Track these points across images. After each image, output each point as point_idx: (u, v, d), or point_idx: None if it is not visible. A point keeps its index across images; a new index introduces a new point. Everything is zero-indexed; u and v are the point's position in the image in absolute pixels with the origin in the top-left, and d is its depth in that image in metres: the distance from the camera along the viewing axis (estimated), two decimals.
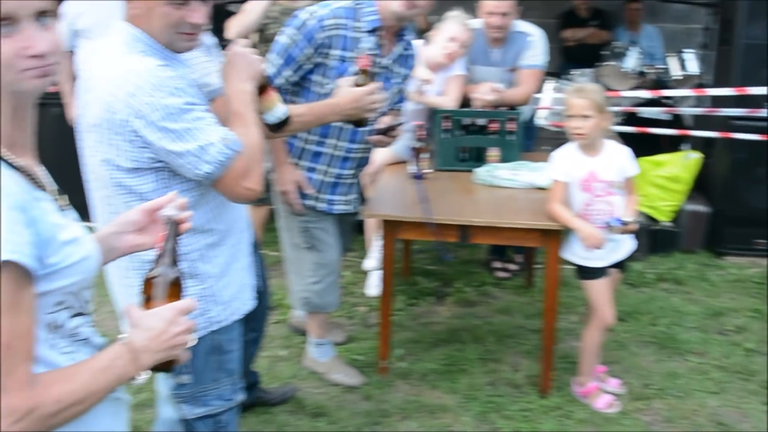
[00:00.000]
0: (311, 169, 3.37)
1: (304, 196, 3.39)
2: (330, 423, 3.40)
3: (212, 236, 2.14)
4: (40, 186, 1.34)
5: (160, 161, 1.97)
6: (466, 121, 4.25)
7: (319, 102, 3.00)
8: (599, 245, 3.27)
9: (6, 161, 1.27)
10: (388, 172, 4.27)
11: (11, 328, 1.19)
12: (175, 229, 1.50)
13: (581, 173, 3.33)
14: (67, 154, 3.19)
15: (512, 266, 5.12)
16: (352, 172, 3.43)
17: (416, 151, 3.86)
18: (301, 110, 2.85)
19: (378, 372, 3.76)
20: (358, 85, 2.85)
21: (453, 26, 4.30)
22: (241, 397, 2.35)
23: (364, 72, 2.86)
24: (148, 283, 1.44)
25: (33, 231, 1.23)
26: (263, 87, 2.19)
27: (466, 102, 4.45)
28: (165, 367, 1.43)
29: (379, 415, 3.46)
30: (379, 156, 4.33)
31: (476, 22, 4.51)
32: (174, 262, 1.46)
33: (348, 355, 3.95)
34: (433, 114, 4.33)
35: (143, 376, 1.40)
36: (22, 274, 1.20)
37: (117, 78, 1.91)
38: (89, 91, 2.00)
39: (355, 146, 3.33)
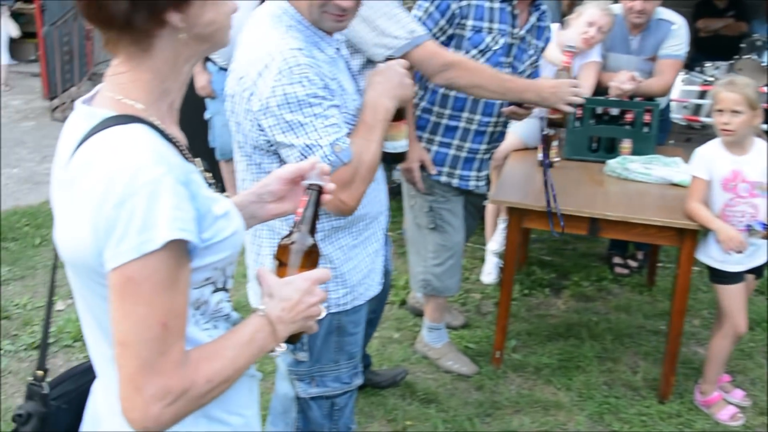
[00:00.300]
0: (445, 144, 3.30)
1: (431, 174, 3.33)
2: (440, 410, 3.34)
3: (339, 219, 2.08)
4: (188, 158, 1.31)
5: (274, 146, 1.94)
6: (599, 110, 4.08)
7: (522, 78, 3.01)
8: (740, 249, 3.08)
9: (163, 133, 1.24)
10: (514, 158, 4.15)
11: (170, 307, 1.16)
12: (316, 197, 1.44)
13: (725, 172, 3.14)
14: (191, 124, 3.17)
15: (633, 263, 4.91)
16: (485, 147, 3.34)
17: (546, 139, 3.73)
18: (505, 76, 2.85)
19: (491, 362, 3.68)
20: None
21: (593, 10, 4.13)
22: (359, 381, 2.30)
23: (566, 69, 2.97)
24: (283, 249, 1.39)
25: (195, 205, 1.19)
26: (399, 114, 2.08)
27: (599, 90, 4.28)
28: (293, 339, 1.39)
29: (491, 407, 3.38)
30: (506, 141, 4.22)
31: (617, 8, 4.32)
32: (312, 231, 1.41)
33: (460, 343, 3.89)
34: None
35: (280, 349, 1.36)
36: (184, 251, 1.17)
37: (253, 54, 1.89)
38: (234, 60, 1.98)
39: (489, 119, 3.24)
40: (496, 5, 3.04)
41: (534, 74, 3.37)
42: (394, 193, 3.84)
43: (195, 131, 3.51)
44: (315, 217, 1.43)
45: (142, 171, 1.13)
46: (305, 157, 1.82)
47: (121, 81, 1.26)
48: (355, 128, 1.97)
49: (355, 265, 2.14)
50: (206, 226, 1.22)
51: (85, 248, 1.18)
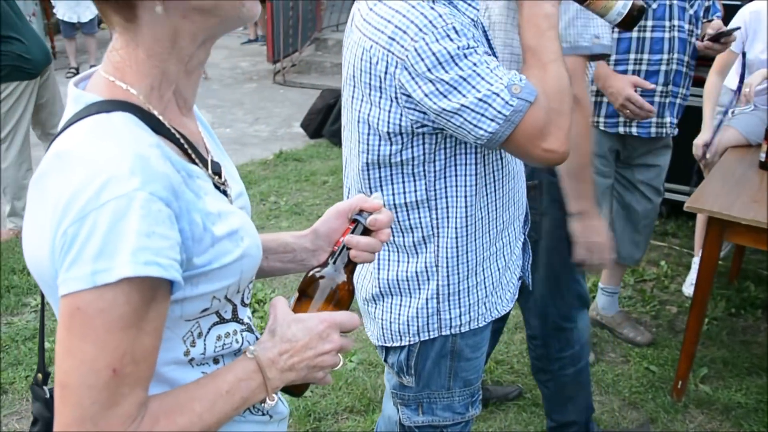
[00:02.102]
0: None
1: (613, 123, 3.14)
2: None
3: (463, 228, 1.71)
4: (198, 156, 1.05)
5: (427, 124, 1.57)
6: None
7: None
8: None
9: (160, 125, 1.01)
10: (730, 155, 3.55)
11: (127, 350, 0.90)
12: (362, 230, 1.19)
13: None
14: None
15: None
16: (662, 88, 3.07)
17: None
18: None
19: (672, 392, 3.17)
20: None
21: None
22: (476, 411, 1.94)
23: None
24: (309, 281, 1.15)
25: (183, 225, 0.93)
26: None
27: None
28: (297, 389, 1.13)
29: None
30: (724, 135, 3.65)
31: None
32: (348, 267, 1.17)
33: (642, 363, 3.40)
34: None
35: (272, 402, 1.06)
36: (155, 286, 0.91)
37: (377, 17, 1.55)
38: (349, 34, 1.67)
39: (660, 57, 3.03)
40: None
41: (713, 10, 3.21)
42: None
43: None
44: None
45: (112, 182, 0.88)
46: (482, 116, 1.48)
47: (115, 60, 1.03)
48: (524, 61, 1.60)
49: (478, 281, 1.77)
50: (201, 250, 0.97)
51: (43, 261, 0.96)
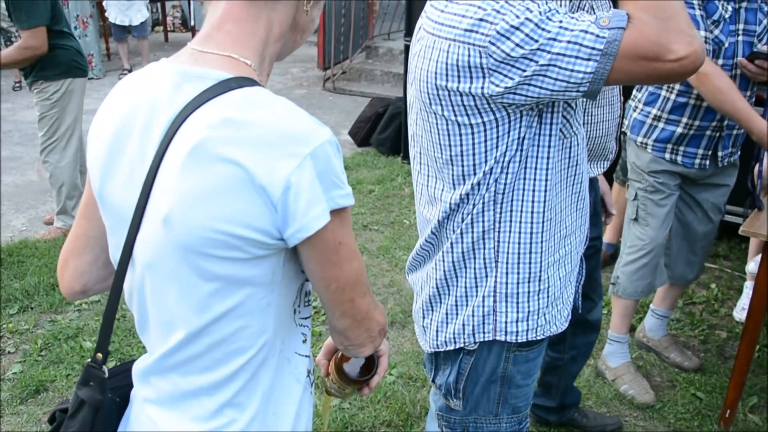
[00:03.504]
0: (672, 122, 3.01)
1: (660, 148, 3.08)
2: None
3: (536, 224, 1.64)
4: None
5: (516, 103, 1.49)
6: None
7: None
8: None
9: None
10: None
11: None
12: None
13: None
14: None
15: None
16: (716, 123, 2.99)
17: None
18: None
19: (719, 421, 3.07)
20: None
21: None
22: None
23: None
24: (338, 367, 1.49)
25: None
26: None
27: None
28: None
29: None
30: None
31: None
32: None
33: (688, 389, 3.31)
34: None
35: None
36: None
37: (451, 15, 1.50)
38: (418, 42, 1.61)
39: None
40: None
41: None
42: None
43: None
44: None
45: (312, 133, 1.07)
46: (574, 59, 1.39)
47: (233, 32, 1.15)
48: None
49: (541, 288, 1.70)
50: None
51: (233, 218, 1.05)
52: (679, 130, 3.01)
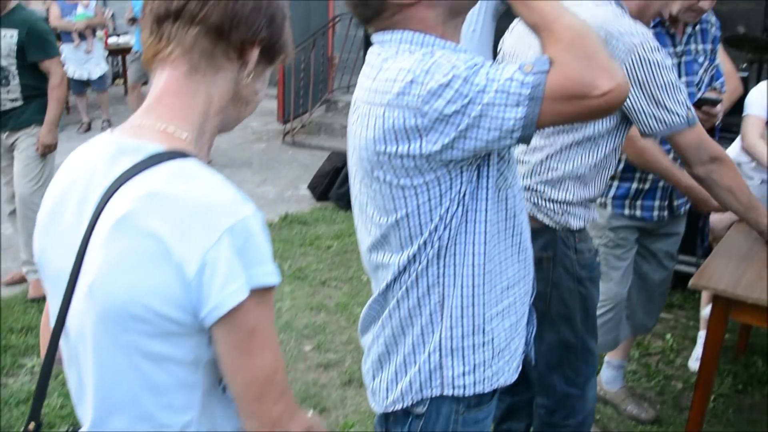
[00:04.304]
0: (627, 178, 3.11)
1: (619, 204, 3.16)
2: None
3: (478, 277, 1.66)
4: None
5: (455, 159, 1.51)
6: None
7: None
8: None
9: None
10: (737, 229, 3.50)
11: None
12: None
13: None
14: None
15: None
16: None
17: None
18: (751, 192, 2.61)
19: None
20: None
21: None
22: None
23: None
24: None
25: None
26: None
27: None
28: None
29: None
30: None
31: None
32: None
33: None
34: None
35: None
36: None
37: (383, 83, 1.54)
38: (354, 112, 1.64)
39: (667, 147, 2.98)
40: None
41: (716, 76, 3.22)
42: None
43: None
44: None
45: (234, 208, 1.07)
46: (503, 107, 1.42)
47: (171, 106, 1.16)
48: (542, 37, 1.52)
49: (486, 341, 1.70)
50: None
51: (156, 292, 1.05)
52: (634, 185, 3.09)
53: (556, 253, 2.38)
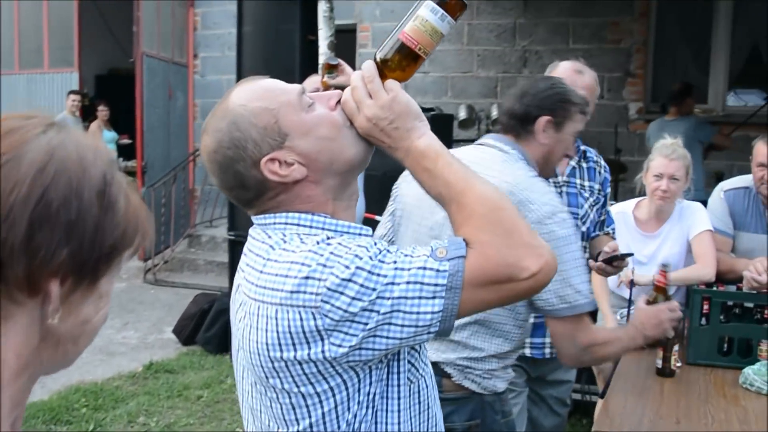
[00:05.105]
0: None
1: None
2: None
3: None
4: None
5: (359, 360, 1.32)
6: (730, 302, 3.33)
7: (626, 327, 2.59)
8: None
9: None
10: (625, 363, 3.42)
11: None
12: None
13: None
14: None
15: None
16: None
17: (668, 342, 3.02)
18: (607, 337, 2.41)
19: None
20: (650, 303, 2.69)
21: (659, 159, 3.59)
22: None
23: (660, 290, 2.86)
24: None
25: None
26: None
27: (727, 278, 3.56)
28: None
29: None
30: None
31: (746, 179, 3.70)
32: None
33: None
34: (689, 293, 3.46)
35: None
36: None
37: (272, 277, 1.35)
38: (237, 309, 1.43)
39: None
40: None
41: (607, 222, 3.27)
42: None
43: None
44: None
45: None
46: (418, 300, 1.25)
47: None
48: (453, 215, 1.35)
49: None
50: None
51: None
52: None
53: (484, 420, 2.26)
